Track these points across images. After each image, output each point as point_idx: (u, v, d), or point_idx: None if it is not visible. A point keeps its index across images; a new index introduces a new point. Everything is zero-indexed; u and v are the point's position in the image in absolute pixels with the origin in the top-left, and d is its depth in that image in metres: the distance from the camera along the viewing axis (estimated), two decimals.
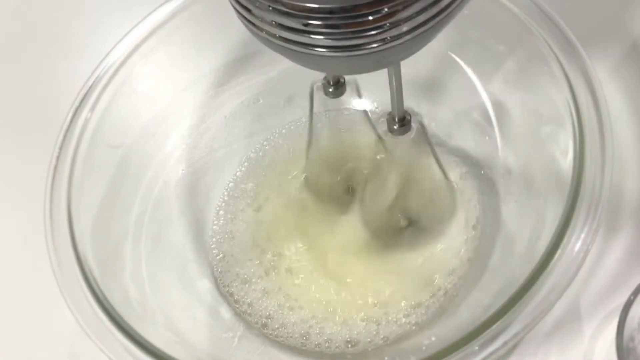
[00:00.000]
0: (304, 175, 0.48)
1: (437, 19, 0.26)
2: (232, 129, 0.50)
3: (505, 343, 0.33)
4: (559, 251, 0.34)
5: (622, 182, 0.45)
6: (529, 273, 0.34)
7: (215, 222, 0.48)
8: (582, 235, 0.34)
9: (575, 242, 0.34)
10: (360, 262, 0.45)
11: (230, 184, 0.50)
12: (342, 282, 0.45)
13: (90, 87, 0.43)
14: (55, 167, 0.41)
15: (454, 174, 0.47)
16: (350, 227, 0.46)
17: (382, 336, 0.42)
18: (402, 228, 0.46)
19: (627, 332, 0.37)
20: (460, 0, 0.27)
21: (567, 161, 0.37)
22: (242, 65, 0.48)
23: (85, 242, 0.39)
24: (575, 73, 0.38)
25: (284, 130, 0.51)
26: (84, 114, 0.42)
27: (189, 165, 0.49)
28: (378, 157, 0.44)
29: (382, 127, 0.41)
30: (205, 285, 0.46)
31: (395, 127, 0.39)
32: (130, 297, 0.40)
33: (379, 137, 0.44)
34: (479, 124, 0.46)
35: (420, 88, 0.49)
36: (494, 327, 0.33)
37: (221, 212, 0.49)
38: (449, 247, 0.44)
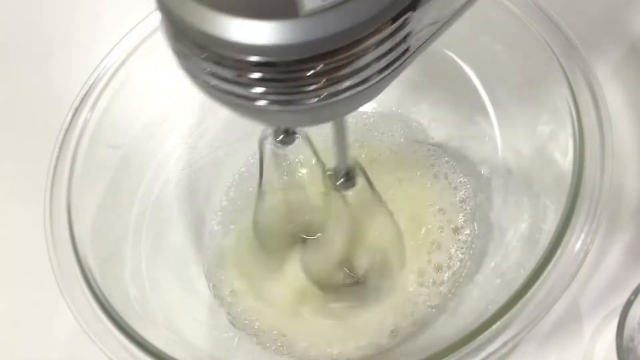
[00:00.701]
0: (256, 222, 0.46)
1: (380, 76, 0.24)
2: (232, 129, 0.50)
3: (505, 343, 0.33)
4: (559, 251, 0.34)
5: (622, 182, 0.45)
6: (529, 273, 0.34)
7: (214, 220, 0.48)
8: (582, 235, 0.34)
9: (575, 242, 0.34)
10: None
11: (234, 179, 0.50)
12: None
13: (90, 87, 0.43)
14: (55, 167, 0.41)
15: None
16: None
17: (391, 330, 0.42)
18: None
19: (627, 332, 0.37)
20: (406, 57, 0.25)
21: (567, 161, 0.37)
22: None
23: (85, 242, 0.39)
24: (575, 73, 0.38)
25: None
26: (84, 114, 0.42)
27: (189, 165, 0.49)
28: (328, 208, 0.42)
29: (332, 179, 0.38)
30: (205, 285, 0.46)
31: (338, 182, 0.37)
32: (130, 297, 0.40)
33: (330, 188, 0.40)
34: (479, 124, 0.46)
35: (419, 88, 0.49)
36: (494, 327, 0.33)
37: (219, 213, 0.49)
38: (446, 246, 0.44)
